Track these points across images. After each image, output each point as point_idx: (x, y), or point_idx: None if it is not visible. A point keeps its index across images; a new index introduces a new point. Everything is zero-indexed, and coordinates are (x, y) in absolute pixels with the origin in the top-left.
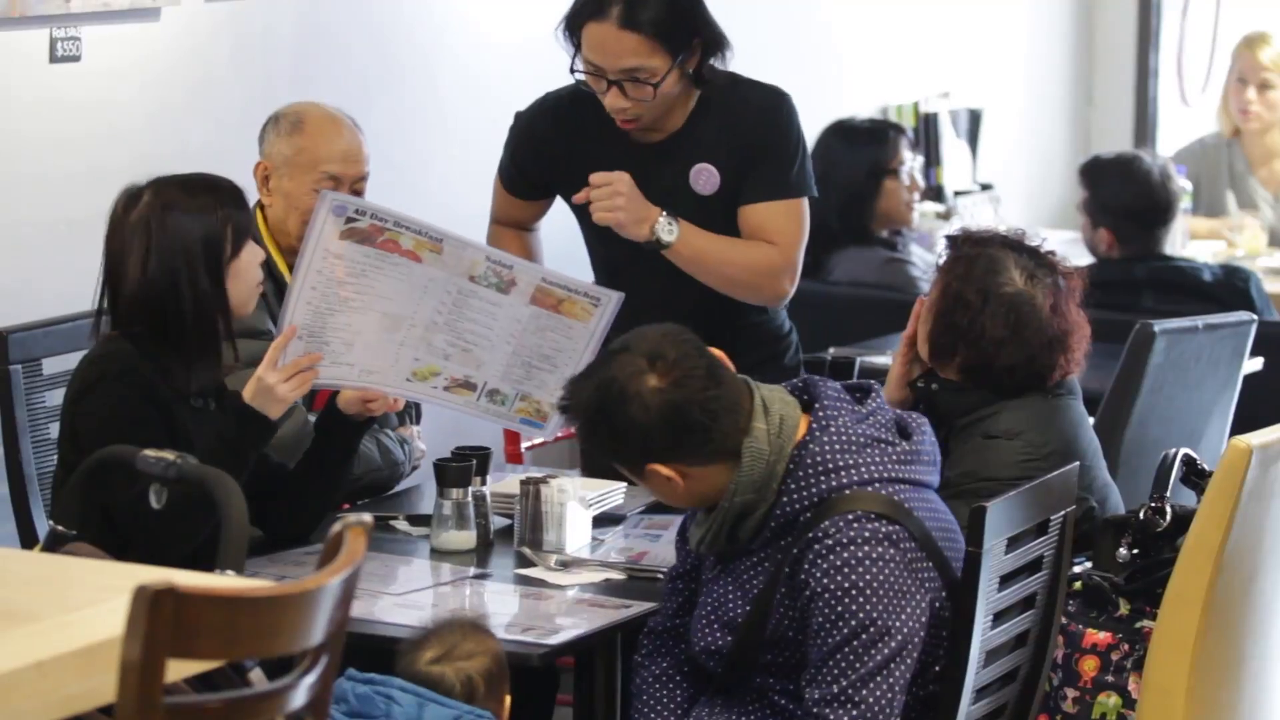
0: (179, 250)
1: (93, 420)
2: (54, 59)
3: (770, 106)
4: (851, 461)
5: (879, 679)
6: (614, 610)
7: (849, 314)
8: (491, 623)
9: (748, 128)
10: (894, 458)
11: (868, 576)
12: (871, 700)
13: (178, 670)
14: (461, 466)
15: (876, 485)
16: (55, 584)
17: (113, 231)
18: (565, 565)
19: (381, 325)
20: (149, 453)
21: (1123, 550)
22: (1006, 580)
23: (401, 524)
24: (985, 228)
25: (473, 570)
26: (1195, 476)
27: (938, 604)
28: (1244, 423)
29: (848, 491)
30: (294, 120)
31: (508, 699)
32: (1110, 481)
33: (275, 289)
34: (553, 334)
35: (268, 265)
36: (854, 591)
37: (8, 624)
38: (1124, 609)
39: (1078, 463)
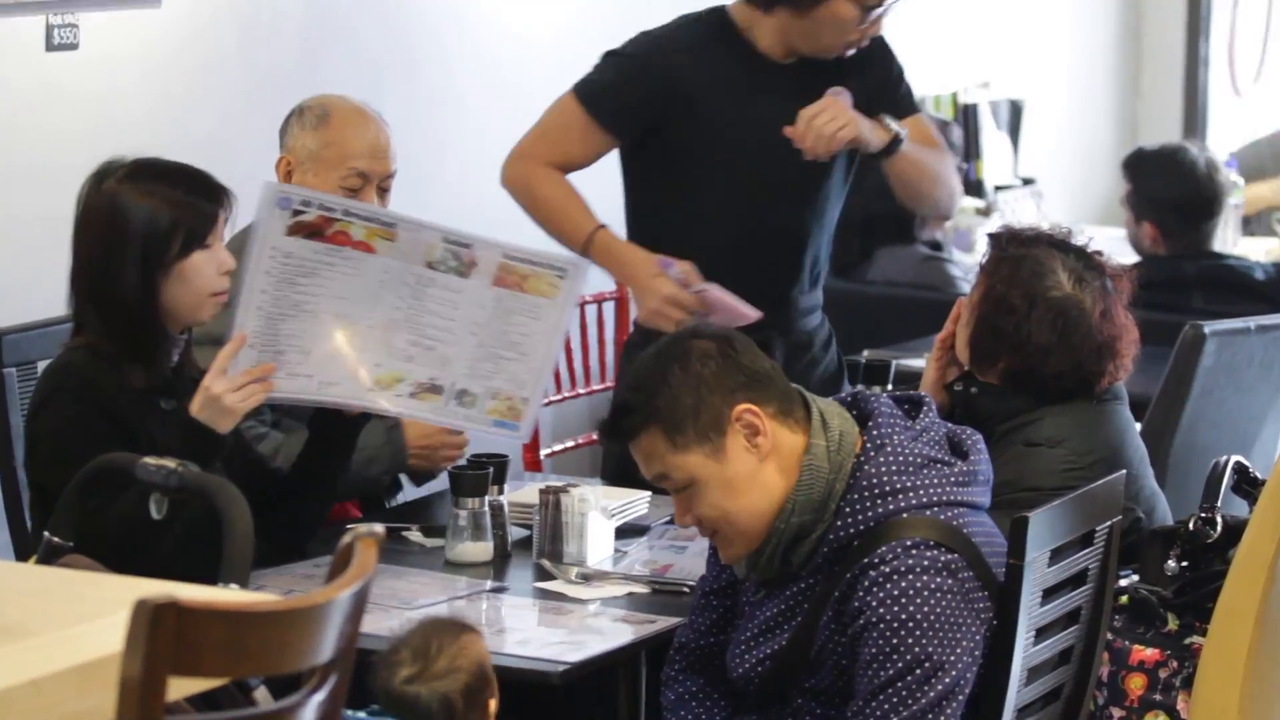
0: (116, 237)
1: (45, 438)
2: (51, 47)
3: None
4: (909, 484)
5: (930, 718)
6: (639, 625)
7: (885, 315)
8: (508, 639)
9: (861, 52)
10: (952, 479)
11: (925, 609)
12: None
13: (179, 688)
14: (477, 475)
15: (935, 510)
16: (52, 597)
17: (77, 212)
18: (586, 578)
19: (338, 330)
20: (149, 461)
21: (1171, 562)
22: (1049, 594)
23: (415, 535)
24: (1030, 226)
25: (489, 583)
26: (1247, 485)
27: (989, 632)
28: None
29: (904, 516)
30: (320, 113)
31: (493, 704)
32: (1158, 490)
33: None
34: (519, 316)
35: None
36: (910, 624)
37: (2, 639)
38: (1172, 624)
39: (1124, 471)
